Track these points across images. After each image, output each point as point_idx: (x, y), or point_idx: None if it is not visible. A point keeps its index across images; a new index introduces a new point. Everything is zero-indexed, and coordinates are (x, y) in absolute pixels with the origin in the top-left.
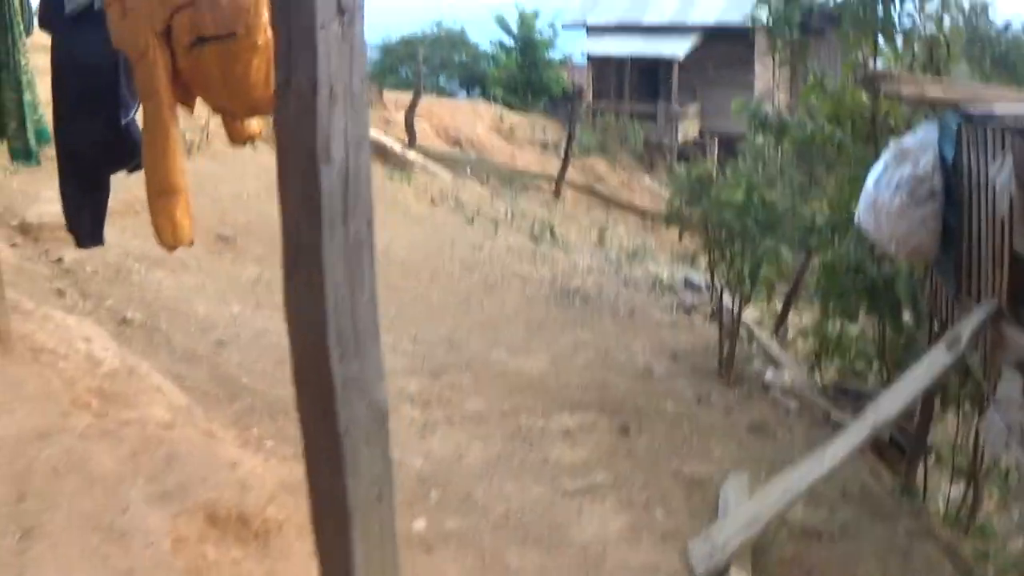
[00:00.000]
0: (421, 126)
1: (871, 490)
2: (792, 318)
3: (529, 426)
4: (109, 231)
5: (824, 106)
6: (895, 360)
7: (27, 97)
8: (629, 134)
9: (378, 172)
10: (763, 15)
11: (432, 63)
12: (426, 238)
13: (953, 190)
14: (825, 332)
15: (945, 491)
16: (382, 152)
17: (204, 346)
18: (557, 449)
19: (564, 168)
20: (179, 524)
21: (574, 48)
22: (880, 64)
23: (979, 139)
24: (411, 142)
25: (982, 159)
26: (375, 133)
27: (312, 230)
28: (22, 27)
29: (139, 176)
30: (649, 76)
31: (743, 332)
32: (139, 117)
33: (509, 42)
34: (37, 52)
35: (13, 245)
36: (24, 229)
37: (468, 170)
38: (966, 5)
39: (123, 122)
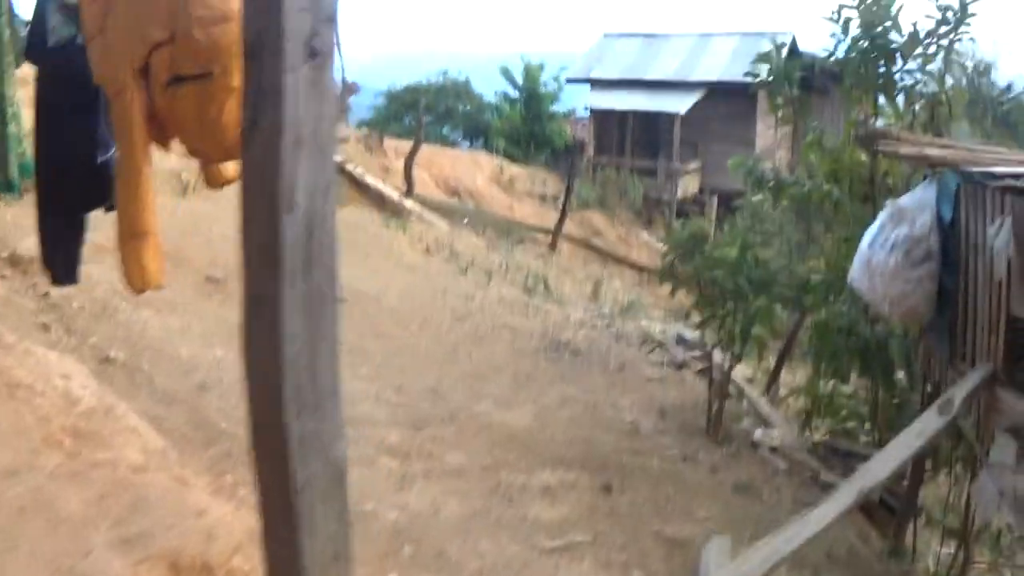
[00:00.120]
0: (421, 175)
1: (858, 552)
2: (785, 376)
3: (509, 482)
4: (98, 268)
5: (822, 164)
6: (887, 421)
7: (11, 129)
8: (629, 189)
9: (374, 219)
10: (762, 70)
11: (436, 112)
12: (418, 287)
13: (950, 251)
14: (817, 391)
15: (936, 551)
16: (379, 200)
17: (185, 389)
18: (536, 506)
19: (561, 221)
20: (141, 571)
21: (578, 102)
22: (881, 123)
23: (978, 200)
24: (409, 190)
25: (980, 220)
26: (373, 180)
27: (271, 280)
28: (11, 58)
29: None
30: (651, 131)
31: (733, 389)
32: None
33: (513, 93)
34: (28, 84)
35: (2, 277)
36: (14, 261)
37: (465, 220)
38: (969, 65)
39: (99, 160)
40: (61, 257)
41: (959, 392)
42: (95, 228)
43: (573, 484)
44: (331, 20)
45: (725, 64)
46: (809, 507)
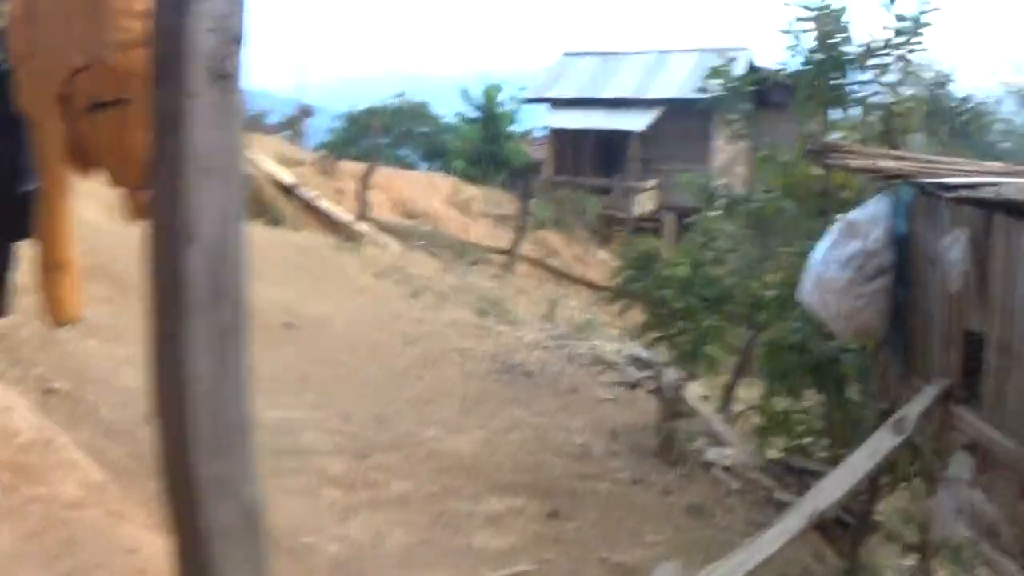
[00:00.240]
0: (377, 197)
1: (814, 573)
2: (743, 392)
3: (455, 510)
4: None
5: (774, 179)
6: (843, 436)
7: None
8: (586, 207)
9: (327, 243)
10: (714, 86)
11: (394, 134)
12: (369, 311)
13: (905, 265)
14: (771, 409)
15: (895, 565)
16: (331, 223)
17: (129, 419)
18: (482, 535)
19: (517, 241)
20: None
21: (537, 122)
22: (836, 135)
23: (933, 212)
24: (363, 213)
25: (936, 233)
26: (326, 204)
27: (174, 317)
28: None
29: None
30: (609, 149)
31: (687, 408)
32: None
33: (473, 114)
34: None
35: None
36: None
37: (420, 242)
38: (927, 76)
39: (20, 191)
40: None
41: (913, 410)
42: None
43: (520, 511)
44: (238, 42)
45: (683, 81)
46: (762, 528)
